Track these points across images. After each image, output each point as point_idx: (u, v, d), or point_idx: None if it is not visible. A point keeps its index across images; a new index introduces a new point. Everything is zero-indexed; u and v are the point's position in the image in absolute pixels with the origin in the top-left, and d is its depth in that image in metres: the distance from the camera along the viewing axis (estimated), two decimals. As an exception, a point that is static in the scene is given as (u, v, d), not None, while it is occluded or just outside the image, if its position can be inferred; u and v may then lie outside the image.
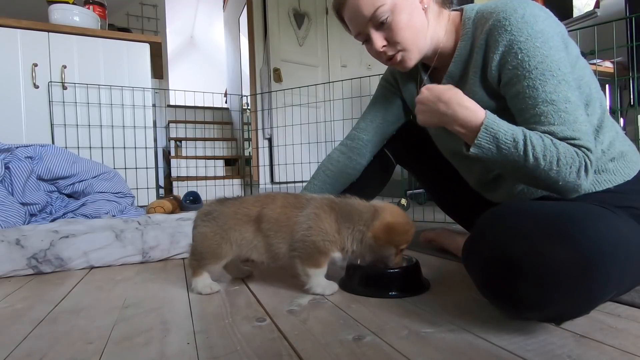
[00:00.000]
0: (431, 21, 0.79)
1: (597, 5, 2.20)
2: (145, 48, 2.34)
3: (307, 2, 3.64)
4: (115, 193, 1.69)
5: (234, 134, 4.50)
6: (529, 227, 0.51)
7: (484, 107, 0.74)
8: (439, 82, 0.86)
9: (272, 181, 3.47)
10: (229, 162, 4.12)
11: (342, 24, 0.85)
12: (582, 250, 0.47)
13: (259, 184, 3.46)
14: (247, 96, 3.96)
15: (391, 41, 0.78)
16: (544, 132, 0.63)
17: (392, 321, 0.59)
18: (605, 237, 0.50)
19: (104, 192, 1.65)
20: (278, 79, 3.36)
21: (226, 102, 5.37)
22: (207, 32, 6.90)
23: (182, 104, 4.63)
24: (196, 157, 3.86)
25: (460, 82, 0.80)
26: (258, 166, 3.45)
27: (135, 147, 2.28)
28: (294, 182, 3.30)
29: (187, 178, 3.62)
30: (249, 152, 3.82)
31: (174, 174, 3.71)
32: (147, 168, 2.31)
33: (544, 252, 0.47)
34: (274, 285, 0.80)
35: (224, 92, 5.32)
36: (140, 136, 2.29)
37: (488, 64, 0.71)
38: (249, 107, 3.93)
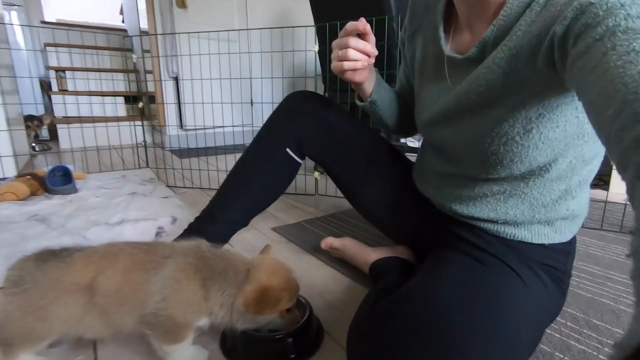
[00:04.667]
0: None
1: None
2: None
3: None
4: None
5: (138, 63, 3.83)
6: (410, 340, 0.46)
7: (489, 82, 0.53)
8: (459, 44, 0.64)
9: (181, 126, 3.08)
10: (129, 100, 3.56)
11: None
12: None
13: (168, 132, 3.04)
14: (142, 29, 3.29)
15: None
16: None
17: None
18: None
19: None
20: (182, 5, 2.80)
21: (123, 22, 4.48)
22: None
23: (64, 19, 3.72)
24: (90, 93, 3.26)
25: (490, 47, 0.55)
26: (164, 103, 2.99)
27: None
28: (204, 127, 2.96)
29: (80, 119, 3.05)
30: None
31: (58, 113, 3.11)
32: None
33: None
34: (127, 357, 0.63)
35: (119, 9, 4.42)
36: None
37: (544, 38, 0.44)
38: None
